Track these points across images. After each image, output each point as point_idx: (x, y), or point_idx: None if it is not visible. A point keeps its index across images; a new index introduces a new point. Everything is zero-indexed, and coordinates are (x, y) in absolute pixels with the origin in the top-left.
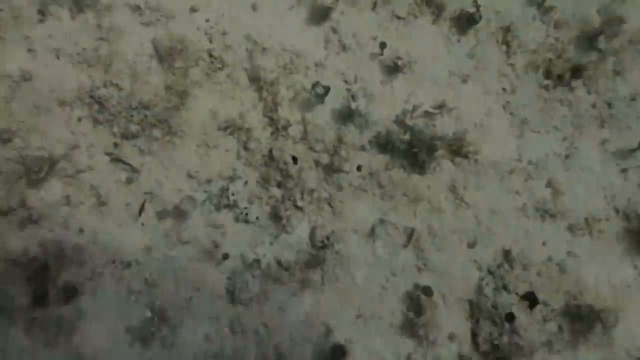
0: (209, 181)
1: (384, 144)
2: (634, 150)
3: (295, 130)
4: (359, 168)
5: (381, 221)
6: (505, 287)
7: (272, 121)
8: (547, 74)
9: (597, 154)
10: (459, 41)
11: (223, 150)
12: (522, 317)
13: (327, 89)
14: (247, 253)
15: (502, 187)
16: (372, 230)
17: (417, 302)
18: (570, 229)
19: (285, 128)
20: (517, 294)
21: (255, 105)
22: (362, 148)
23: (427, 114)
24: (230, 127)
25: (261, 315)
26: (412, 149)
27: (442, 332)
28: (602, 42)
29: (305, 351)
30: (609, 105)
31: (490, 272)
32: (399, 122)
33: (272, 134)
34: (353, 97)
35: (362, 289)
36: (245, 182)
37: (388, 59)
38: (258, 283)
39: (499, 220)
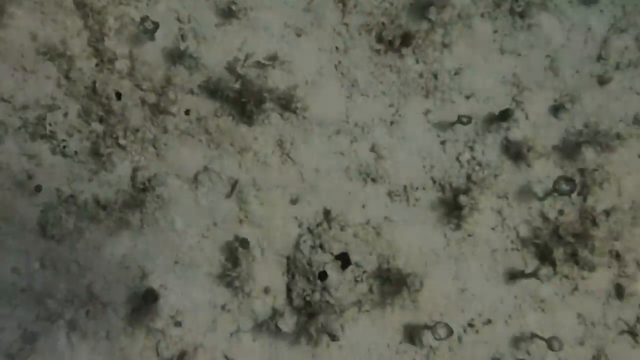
0: (25, 107)
1: (213, 90)
2: (453, 123)
3: (122, 65)
4: (187, 112)
5: (205, 169)
6: (321, 246)
7: (98, 52)
8: (379, 38)
9: (420, 123)
10: None
11: (42, 76)
12: (335, 276)
13: (156, 25)
14: (63, 187)
15: (328, 146)
16: (196, 177)
17: (235, 253)
18: (389, 194)
19: (111, 61)
20: (331, 253)
21: (79, 33)
22: (191, 92)
23: (259, 64)
24: (51, 53)
25: (74, 253)
26: (242, 99)
27: (257, 284)
28: (432, 13)
29: (118, 293)
30: (435, 76)
31: (309, 229)
32: (231, 69)
33: (96, 65)
34: (182, 37)
35: (181, 235)
36: (65, 114)
37: (223, 3)
38: (73, 219)
39: (322, 179)
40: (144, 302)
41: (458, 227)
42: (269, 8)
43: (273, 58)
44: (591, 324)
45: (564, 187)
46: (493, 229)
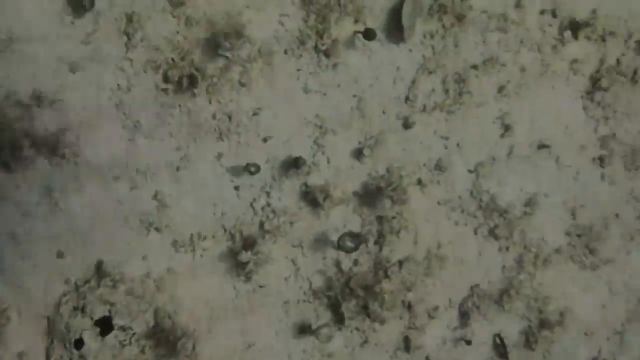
0: None
1: None
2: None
3: None
4: None
5: None
6: (83, 308)
7: None
8: (166, 76)
9: (211, 168)
10: (73, 23)
11: None
12: (93, 344)
13: None
14: None
15: (105, 194)
16: None
17: None
18: (174, 244)
19: None
20: (92, 318)
21: None
22: None
23: (21, 104)
24: None
25: None
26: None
27: (10, 349)
28: (228, 49)
29: None
30: (230, 117)
31: (77, 287)
32: None
33: None
34: None
35: None
36: None
37: None
38: None
39: (97, 230)
40: None
41: (248, 278)
42: (39, 39)
43: (39, 97)
44: None
45: (349, 244)
46: (286, 279)
